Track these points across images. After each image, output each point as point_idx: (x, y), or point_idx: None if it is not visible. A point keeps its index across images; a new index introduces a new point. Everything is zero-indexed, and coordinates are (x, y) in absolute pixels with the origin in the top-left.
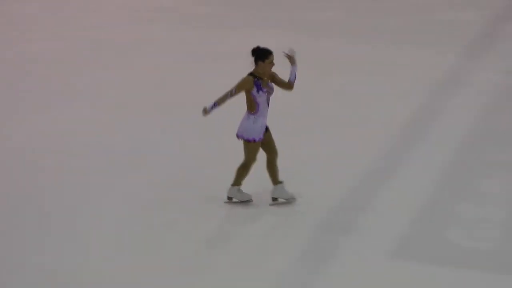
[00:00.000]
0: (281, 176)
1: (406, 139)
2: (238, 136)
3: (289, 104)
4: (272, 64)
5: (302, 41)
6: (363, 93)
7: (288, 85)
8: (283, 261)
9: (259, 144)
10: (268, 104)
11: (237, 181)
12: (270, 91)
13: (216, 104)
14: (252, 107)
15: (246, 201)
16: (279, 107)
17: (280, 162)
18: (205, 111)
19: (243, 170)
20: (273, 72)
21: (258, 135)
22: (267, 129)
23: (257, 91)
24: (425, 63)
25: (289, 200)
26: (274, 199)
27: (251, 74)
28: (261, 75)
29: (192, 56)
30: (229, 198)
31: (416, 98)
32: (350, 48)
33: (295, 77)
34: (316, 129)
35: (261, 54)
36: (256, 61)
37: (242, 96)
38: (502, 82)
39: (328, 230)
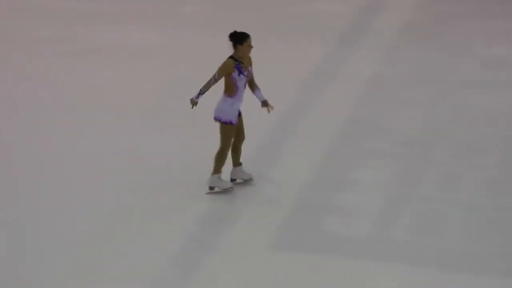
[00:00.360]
0: None
1: (283, 132)
2: (215, 119)
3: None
4: (250, 46)
5: (166, 34)
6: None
7: (252, 84)
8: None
9: (235, 128)
10: (245, 88)
11: (217, 169)
12: (249, 75)
13: (201, 92)
14: (231, 90)
15: (227, 190)
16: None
17: None
18: (192, 102)
19: (220, 156)
20: (250, 58)
21: (235, 118)
22: (239, 113)
23: (238, 74)
24: (295, 55)
25: (248, 181)
26: (233, 180)
27: (231, 57)
28: (241, 58)
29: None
30: (211, 188)
31: (289, 91)
32: (216, 41)
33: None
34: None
35: (240, 38)
36: (235, 45)
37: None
38: (373, 73)
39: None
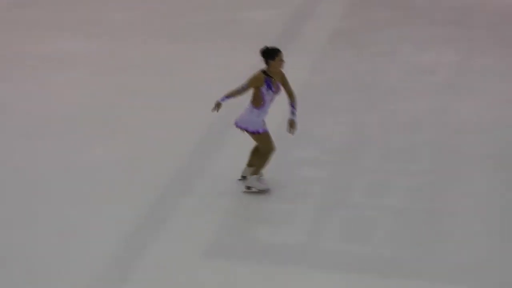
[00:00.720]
0: None
1: (211, 139)
2: (238, 127)
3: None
4: (282, 61)
5: (99, 42)
6: (165, 93)
7: (291, 93)
8: None
9: (267, 133)
10: (272, 101)
11: (256, 171)
12: (277, 91)
13: (228, 96)
14: (258, 102)
15: (263, 191)
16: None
17: None
18: (218, 104)
19: (261, 160)
20: (283, 74)
21: (261, 127)
22: None
23: (267, 89)
24: (224, 62)
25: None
26: (243, 177)
27: (263, 71)
28: (273, 74)
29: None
30: (248, 188)
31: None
32: (145, 48)
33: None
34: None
35: (271, 53)
36: (267, 61)
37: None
38: (302, 80)
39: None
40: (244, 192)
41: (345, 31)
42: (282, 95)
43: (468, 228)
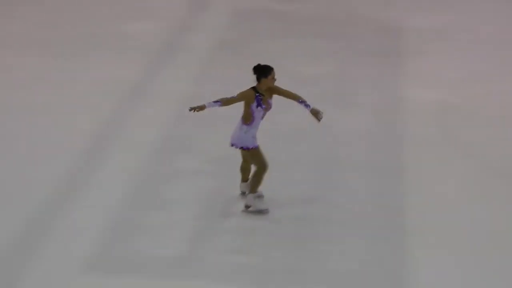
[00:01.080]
0: None
1: (91, 152)
2: (232, 145)
3: None
4: (274, 79)
5: None
6: (46, 107)
7: (294, 95)
8: None
9: (258, 149)
10: (262, 118)
11: (253, 189)
12: (268, 108)
13: (216, 102)
14: (248, 118)
15: (262, 211)
16: None
17: None
18: (201, 107)
19: (256, 177)
20: (275, 86)
21: (251, 143)
22: None
23: (256, 106)
24: (107, 75)
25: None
26: (243, 192)
27: (254, 88)
28: (263, 91)
29: None
30: (247, 207)
31: (101, 110)
32: (17, 61)
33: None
34: None
35: (265, 71)
36: (259, 78)
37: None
38: (185, 92)
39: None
40: (243, 211)
41: (229, 42)
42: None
43: (348, 235)
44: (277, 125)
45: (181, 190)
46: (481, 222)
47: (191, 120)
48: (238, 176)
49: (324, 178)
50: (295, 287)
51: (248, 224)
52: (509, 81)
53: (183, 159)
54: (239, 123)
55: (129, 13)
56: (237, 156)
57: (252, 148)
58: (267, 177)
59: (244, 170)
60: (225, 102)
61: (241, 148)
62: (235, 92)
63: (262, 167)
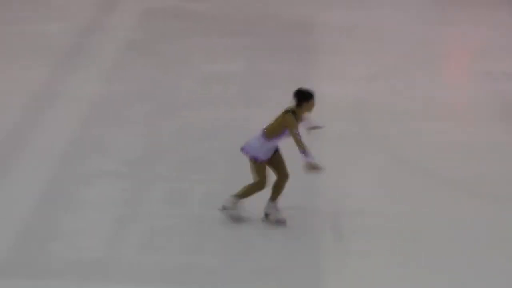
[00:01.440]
0: None
1: (9, 153)
2: (244, 151)
3: None
4: (313, 106)
5: None
6: None
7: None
8: None
9: (264, 165)
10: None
11: (238, 194)
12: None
13: (304, 151)
14: (273, 135)
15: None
16: None
17: None
18: (312, 166)
19: (250, 188)
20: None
21: (262, 155)
22: (277, 150)
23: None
24: (16, 76)
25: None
26: (267, 214)
27: (292, 112)
28: (298, 115)
29: None
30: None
31: (14, 111)
32: None
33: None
34: None
35: (308, 96)
36: (300, 102)
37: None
38: (96, 93)
39: None
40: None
41: (137, 42)
42: None
43: (267, 233)
44: (189, 123)
45: (96, 192)
46: (398, 216)
47: (103, 121)
48: (153, 175)
49: (236, 176)
50: (230, 284)
51: (164, 224)
52: (413, 76)
53: (97, 160)
54: (259, 135)
55: (38, 13)
56: (152, 157)
57: (260, 161)
58: (181, 176)
59: (277, 188)
60: (300, 143)
61: (251, 157)
62: (147, 93)
63: (260, 184)
